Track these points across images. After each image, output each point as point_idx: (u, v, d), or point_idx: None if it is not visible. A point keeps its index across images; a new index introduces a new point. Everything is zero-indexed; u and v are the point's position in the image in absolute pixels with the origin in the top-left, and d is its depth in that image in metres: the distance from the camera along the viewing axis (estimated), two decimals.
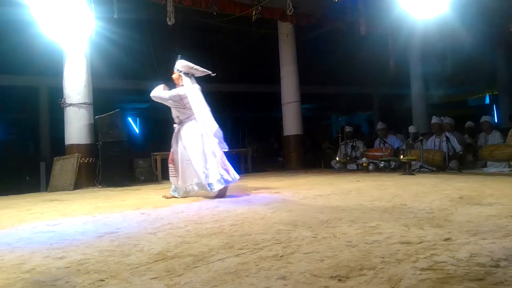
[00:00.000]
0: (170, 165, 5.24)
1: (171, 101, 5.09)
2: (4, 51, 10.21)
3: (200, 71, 5.19)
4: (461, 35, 9.99)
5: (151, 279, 1.92)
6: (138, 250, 2.49)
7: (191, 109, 5.03)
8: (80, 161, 7.69)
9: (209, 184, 4.82)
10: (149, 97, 5.28)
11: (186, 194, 5.05)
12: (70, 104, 7.92)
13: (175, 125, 5.24)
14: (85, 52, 8.04)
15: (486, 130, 8.07)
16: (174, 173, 5.17)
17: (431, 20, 7.64)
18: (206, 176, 4.84)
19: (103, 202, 5.26)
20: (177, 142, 5.12)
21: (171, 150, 5.24)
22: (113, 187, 7.38)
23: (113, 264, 2.21)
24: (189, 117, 5.09)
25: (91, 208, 4.69)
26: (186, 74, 5.09)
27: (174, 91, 5.09)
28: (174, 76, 5.16)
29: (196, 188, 4.96)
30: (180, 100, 5.05)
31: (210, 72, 5.24)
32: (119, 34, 8.94)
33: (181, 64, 5.11)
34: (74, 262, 2.28)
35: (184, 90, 5.03)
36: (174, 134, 5.21)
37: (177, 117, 5.18)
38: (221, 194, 4.94)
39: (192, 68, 5.13)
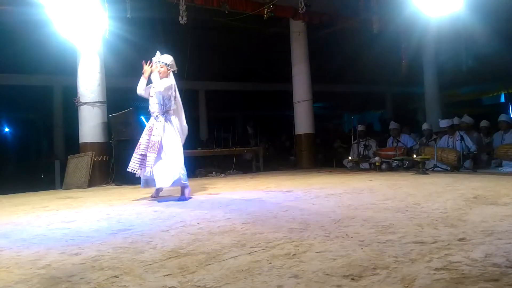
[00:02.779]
0: (152, 154, 4.78)
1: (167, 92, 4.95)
2: (19, 50, 10.39)
3: (174, 66, 5.20)
4: (476, 33, 9.84)
5: (164, 276, 1.94)
6: (151, 247, 2.52)
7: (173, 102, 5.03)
8: (94, 159, 7.78)
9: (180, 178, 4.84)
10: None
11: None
12: (84, 103, 8.01)
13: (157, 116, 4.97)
14: (98, 51, 8.12)
15: (504, 129, 7.93)
16: (151, 162, 4.77)
17: (445, 17, 7.54)
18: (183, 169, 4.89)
19: (116, 199, 5.32)
20: (165, 132, 4.88)
21: (159, 139, 4.83)
22: (126, 185, 7.44)
23: (127, 260, 2.23)
24: (172, 109, 5.01)
25: (105, 205, 4.74)
26: (170, 67, 5.08)
27: (169, 82, 4.98)
28: (162, 69, 4.99)
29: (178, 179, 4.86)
30: (171, 91, 5.01)
31: (176, 69, 5.24)
32: (132, 33, 9.01)
33: (170, 59, 5.08)
34: (89, 259, 2.31)
35: (173, 81, 5.04)
36: (160, 125, 4.91)
37: (163, 106, 4.96)
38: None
39: (173, 63, 5.16)
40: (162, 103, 4.94)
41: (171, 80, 5.01)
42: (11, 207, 5.00)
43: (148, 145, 4.83)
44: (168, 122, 4.94)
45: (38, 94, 13.52)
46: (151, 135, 4.87)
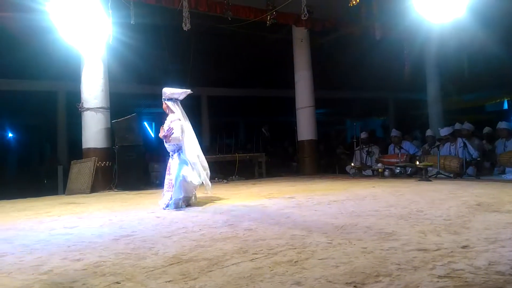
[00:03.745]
0: (169, 192, 5.00)
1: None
2: (24, 57, 10.45)
3: (180, 93, 5.15)
4: (478, 39, 9.84)
5: (166, 282, 1.94)
6: (153, 253, 2.51)
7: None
8: (96, 165, 7.80)
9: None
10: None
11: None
12: (88, 109, 8.04)
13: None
14: (102, 57, 8.17)
15: (505, 137, 7.91)
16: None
17: (447, 24, 7.54)
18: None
19: (119, 205, 5.32)
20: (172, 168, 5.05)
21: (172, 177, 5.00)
22: (129, 191, 7.45)
23: (129, 267, 2.23)
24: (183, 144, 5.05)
25: (107, 211, 4.74)
26: (170, 99, 5.08)
27: (176, 125, 4.97)
28: (163, 106, 5.14)
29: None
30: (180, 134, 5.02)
31: (189, 91, 5.18)
32: (135, 39, 9.06)
33: (165, 92, 5.09)
34: (91, 265, 2.31)
35: (177, 116, 5.03)
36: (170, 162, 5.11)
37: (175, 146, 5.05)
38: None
39: (172, 93, 5.11)
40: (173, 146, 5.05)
41: (174, 123, 4.96)
42: (14, 212, 5.02)
43: (168, 184, 5.01)
44: (180, 157, 4.99)
45: (42, 99, 13.57)
46: (169, 174, 5.05)
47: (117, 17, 7.50)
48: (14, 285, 2.01)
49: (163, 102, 5.12)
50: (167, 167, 5.13)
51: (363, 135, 9.71)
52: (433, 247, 2.31)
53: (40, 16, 6.79)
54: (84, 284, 1.98)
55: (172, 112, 5.06)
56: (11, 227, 3.81)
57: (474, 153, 7.57)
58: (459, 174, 7.29)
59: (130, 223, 3.73)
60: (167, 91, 5.11)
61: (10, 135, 17.50)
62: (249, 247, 2.53)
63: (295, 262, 2.15)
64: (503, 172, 7.42)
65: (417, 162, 7.49)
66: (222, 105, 16.01)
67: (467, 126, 8.19)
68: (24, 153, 16.11)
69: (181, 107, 5.15)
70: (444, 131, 8.13)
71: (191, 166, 4.96)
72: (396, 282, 1.76)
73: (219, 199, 5.53)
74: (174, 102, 5.09)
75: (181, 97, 5.17)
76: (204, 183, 5.05)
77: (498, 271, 1.83)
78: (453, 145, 7.93)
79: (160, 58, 10.69)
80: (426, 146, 9.05)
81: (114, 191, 7.72)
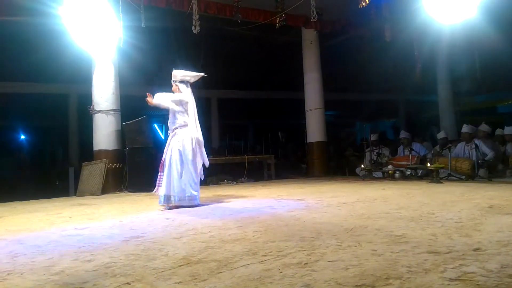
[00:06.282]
0: (161, 173, 4.98)
1: (174, 105, 5.07)
2: (36, 60, 10.60)
3: (192, 76, 5.23)
4: (490, 40, 9.74)
5: (175, 283, 1.95)
6: (163, 254, 2.53)
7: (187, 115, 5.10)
8: (107, 167, 7.87)
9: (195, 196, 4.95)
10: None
11: (180, 203, 4.84)
12: (99, 111, 8.13)
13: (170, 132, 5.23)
14: (113, 60, 8.25)
15: None
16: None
17: (458, 25, 7.47)
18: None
19: (129, 207, 5.36)
20: (171, 148, 5.03)
21: (164, 156, 5.04)
22: (139, 192, 7.50)
23: (139, 267, 2.25)
24: (185, 124, 5.09)
25: (117, 212, 4.78)
26: (182, 82, 5.15)
27: (176, 96, 5.10)
28: (173, 88, 5.22)
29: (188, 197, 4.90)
30: (181, 105, 5.08)
31: (202, 74, 5.27)
32: (145, 42, 9.14)
33: (174, 75, 5.17)
34: (102, 265, 2.33)
35: (184, 96, 5.09)
36: (169, 141, 5.12)
37: (173, 122, 5.17)
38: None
39: (185, 75, 5.18)
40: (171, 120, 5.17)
41: (180, 94, 5.10)
42: (26, 213, 5.08)
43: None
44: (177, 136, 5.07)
45: (54, 102, 13.76)
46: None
47: (128, 20, 7.57)
48: (26, 285, 2.04)
49: (173, 84, 5.16)
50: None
51: (373, 137, 9.65)
52: (444, 249, 2.29)
53: (52, 20, 6.89)
54: (95, 284, 2.00)
55: (181, 92, 5.12)
56: (23, 228, 3.86)
57: (490, 153, 7.46)
58: (470, 176, 7.21)
59: (140, 225, 3.75)
60: (179, 73, 5.17)
61: (23, 137, 17.74)
62: (259, 249, 2.53)
63: (304, 264, 2.14)
64: None
65: (428, 164, 7.42)
66: (231, 107, 16.08)
67: (483, 127, 8.08)
68: (36, 155, 16.30)
69: (191, 90, 5.21)
70: (466, 128, 7.99)
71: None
72: (406, 285, 1.75)
73: (228, 200, 5.54)
74: (185, 84, 5.16)
75: (193, 80, 5.23)
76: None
77: (511, 275, 1.81)
78: (467, 145, 7.83)
79: (170, 61, 10.76)
80: (437, 148, 8.96)
81: (124, 192, 7.78)
